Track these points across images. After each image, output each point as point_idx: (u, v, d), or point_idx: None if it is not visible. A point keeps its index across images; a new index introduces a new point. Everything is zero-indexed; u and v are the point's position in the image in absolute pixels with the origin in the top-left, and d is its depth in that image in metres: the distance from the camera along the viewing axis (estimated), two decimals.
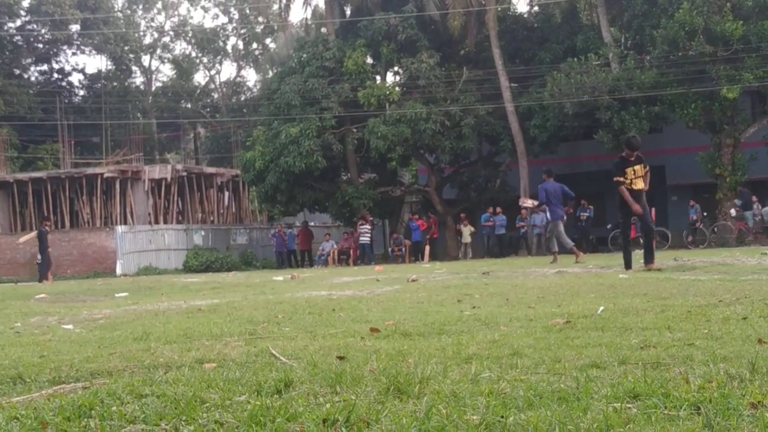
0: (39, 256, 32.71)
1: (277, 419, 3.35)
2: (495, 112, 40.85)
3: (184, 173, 47.78)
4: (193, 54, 76.22)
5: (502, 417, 3.19)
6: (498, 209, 40.34)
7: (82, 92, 72.27)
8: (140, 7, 74.05)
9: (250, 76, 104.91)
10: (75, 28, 68.05)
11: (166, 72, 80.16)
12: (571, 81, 36.97)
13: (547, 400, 3.51)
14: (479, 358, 4.89)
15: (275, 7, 65.05)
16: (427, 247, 39.92)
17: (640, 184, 15.95)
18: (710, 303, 8.02)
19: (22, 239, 37.22)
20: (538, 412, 3.28)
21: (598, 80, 36.53)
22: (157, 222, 45.58)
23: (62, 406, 3.70)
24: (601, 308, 7.79)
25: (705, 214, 37.30)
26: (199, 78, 79.79)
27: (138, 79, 75.88)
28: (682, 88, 35.62)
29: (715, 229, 36.79)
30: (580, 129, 40.00)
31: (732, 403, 3.31)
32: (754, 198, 36.69)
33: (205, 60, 76.38)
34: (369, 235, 41.00)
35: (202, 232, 46.62)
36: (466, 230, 40.31)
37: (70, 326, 9.26)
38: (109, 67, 71.76)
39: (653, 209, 18.31)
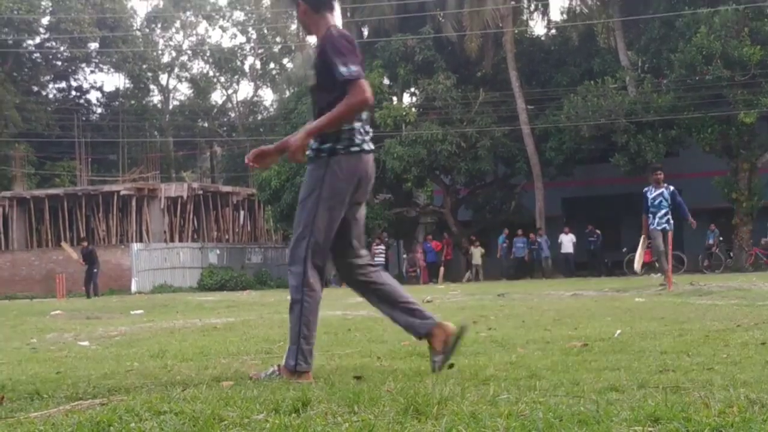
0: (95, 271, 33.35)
1: None
2: (511, 134, 40.85)
3: (200, 192, 47.90)
4: (211, 73, 76.48)
5: None
6: (519, 231, 40.22)
7: (99, 110, 72.57)
8: (159, 26, 74.40)
9: (267, 96, 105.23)
10: (93, 46, 68.40)
11: (183, 91, 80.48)
12: (587, 104, 36.97)
13: (567, 423, 3.49)
14: (497, 380, 4.87)
15: (293, 27, 65.24)
16: (442, 269, 39.85)
17: None
18: (728, 327, 7.98)
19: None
20: None
21: (614, 103, 36.52)
22: (172, 240, 45.67)
23: (80, 423, 3.70)
24: (618, 331, 7.76)
25: (721, 239, 37.15)
26: (216, 97, 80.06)
27: (155, 98, 76.19)
28: (699, 112, 35.59)
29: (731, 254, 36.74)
30: (596, 152, 39.99)
31: (754, 428, 3.28)
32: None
33: (222, 79, 76.63)
34: (384, 255, 41.01)
35: (217, 251, 46.71)
36: (477, 252, 40.19)
37: (86, 343, 9.28)
38: (127, 86, 72.06)
39: (670, 233, 18.19)
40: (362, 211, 5.62)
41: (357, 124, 5.39)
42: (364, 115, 5.46)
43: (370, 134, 5.57)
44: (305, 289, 5.30)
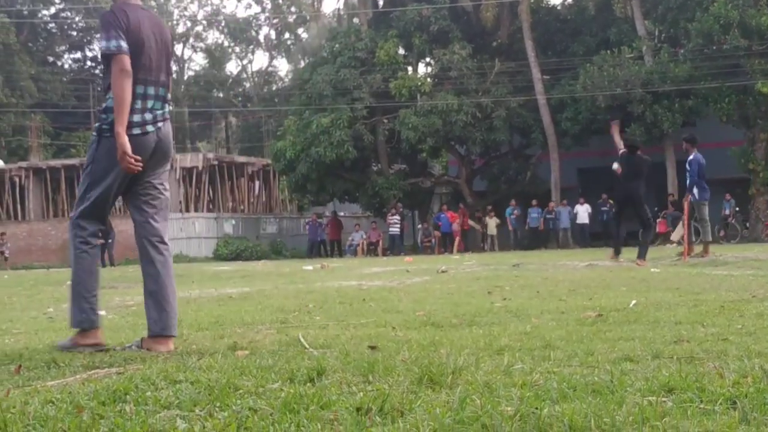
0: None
1: (311, 407, 3.36)
2: (527, 104, 40.69)
3: (216, 162, 47.93)
4: (226, 43, 76.44)
5: (537, 409, 3.18)
6: (534, 202, 40.14)
7: None
8: None
9: (282, 66, 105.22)
10: None
11: (198, 61, 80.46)
12: (603, 74, 36.78)
13: (582, 393, 3.50)
14: (511, 350, 4.88)
15: None
16: (457, 239, 39.82)
17: None
18: (743, 298, 7.97)
19: None
20: (572, 404, 3.26)
21: (631, 73, 36.31)
22: (188, 210, 45.75)
23: (97, 391, 3.73)
24: (633, 302, 7.76)
25: (737, 209, 36.98)
26: (231, 67, 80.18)
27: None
28: (716, 82, 35.37)
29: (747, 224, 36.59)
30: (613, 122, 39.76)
31: None
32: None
33: (237, 49, 76.57)
34: (399, 225, 41.03)
35: (233, 221, 46.79)
36: (492, 222, 40.16)
37: (102, 312, 9.28)
38: None
39: (686, 202, 18.27)
40: (158, 190, 5.76)
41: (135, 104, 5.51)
42: (143, 89, 5.52)
43: (158, 112, 5.65)
44: (82, 246, 5.55)
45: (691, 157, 17.94)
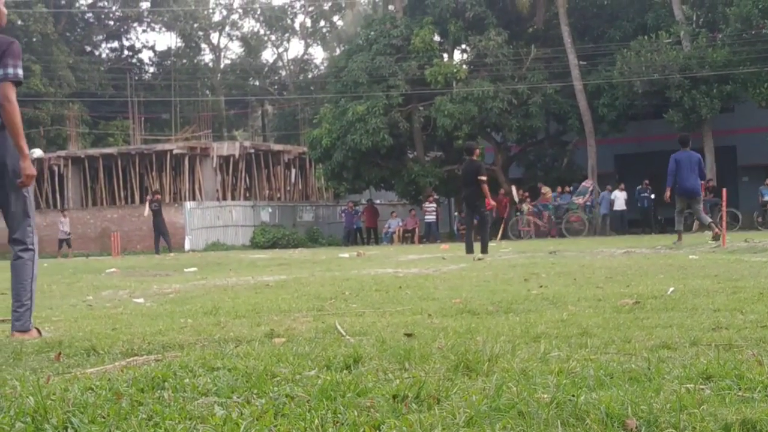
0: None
1: (347, 394, 3.37)
2: (563, 91, 40.47)
3: (252, 150, 48.06)
4: (262, 32, 76.45)
5: (573, 396, 3.18)
6: (567, 188, 39.95)
7: (152, 69, 72.99)
8: None
9: (318, 54, 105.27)
10: (145, 5, 68.71)
11: (234, 49, 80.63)
12: (641, 59, 36.50)
13: (618, 380, 3.49)
14: (548, 337, 4.88)
15: None
16: (501, 227, 39.59)
17: None
18: None
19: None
20: (609, 391, 3.26)
21: (668, 59, 36.00)
22: (224, 198, 45.95)
23: (136, 378, 3.76)
24: (671, 289, 7.71)
25: None
26: (267, 56, 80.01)
27: (207, 57, 76.41)
28: (754, 66, 35.01)
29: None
30: (650, 108, 39.51)
31: None
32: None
33: (273, 38, 76.56)
34: (435, 213, 41.02)
35: (269, 209, 46.92)
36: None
37: (141, 300, 9.40)
38: (179, 45, 72.35)
39: (724, 189, 18.15)
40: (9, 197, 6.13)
41: None
42: None
43: None
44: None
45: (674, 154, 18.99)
